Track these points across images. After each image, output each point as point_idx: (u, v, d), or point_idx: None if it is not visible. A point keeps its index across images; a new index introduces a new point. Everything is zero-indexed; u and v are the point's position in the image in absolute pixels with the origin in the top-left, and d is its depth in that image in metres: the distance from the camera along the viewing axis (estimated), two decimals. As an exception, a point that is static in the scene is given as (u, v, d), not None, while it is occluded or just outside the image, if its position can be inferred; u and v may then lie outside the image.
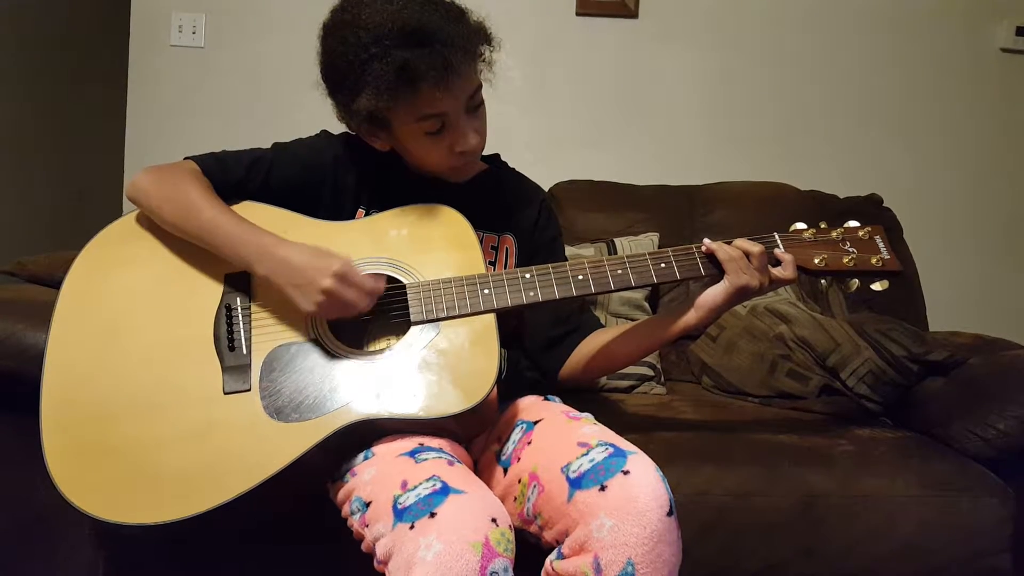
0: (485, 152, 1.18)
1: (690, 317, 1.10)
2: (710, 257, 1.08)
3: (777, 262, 1.09)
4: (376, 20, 0.99)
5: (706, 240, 1.09)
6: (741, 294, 1.06)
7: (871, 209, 1.97)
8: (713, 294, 1.08)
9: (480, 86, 1.08)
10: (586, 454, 0.92)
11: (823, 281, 1.14)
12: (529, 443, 1.01)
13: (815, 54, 2.29)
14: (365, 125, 1.08)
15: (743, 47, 2.29)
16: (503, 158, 1.29)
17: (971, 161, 2.32)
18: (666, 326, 1.13)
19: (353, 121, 1.08)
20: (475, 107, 1.08)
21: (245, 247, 1.01)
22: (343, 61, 1.02)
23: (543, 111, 2.28)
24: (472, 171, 1.19)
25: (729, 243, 1.07)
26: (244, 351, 1.01)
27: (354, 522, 0.94)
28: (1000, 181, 2.33)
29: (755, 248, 1.07)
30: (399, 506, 0.86)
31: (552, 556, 0.91)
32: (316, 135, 1.20)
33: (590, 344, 1.20)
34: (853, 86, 2.30)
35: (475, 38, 1.04)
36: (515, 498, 0.98)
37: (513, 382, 1.15)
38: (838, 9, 2.28)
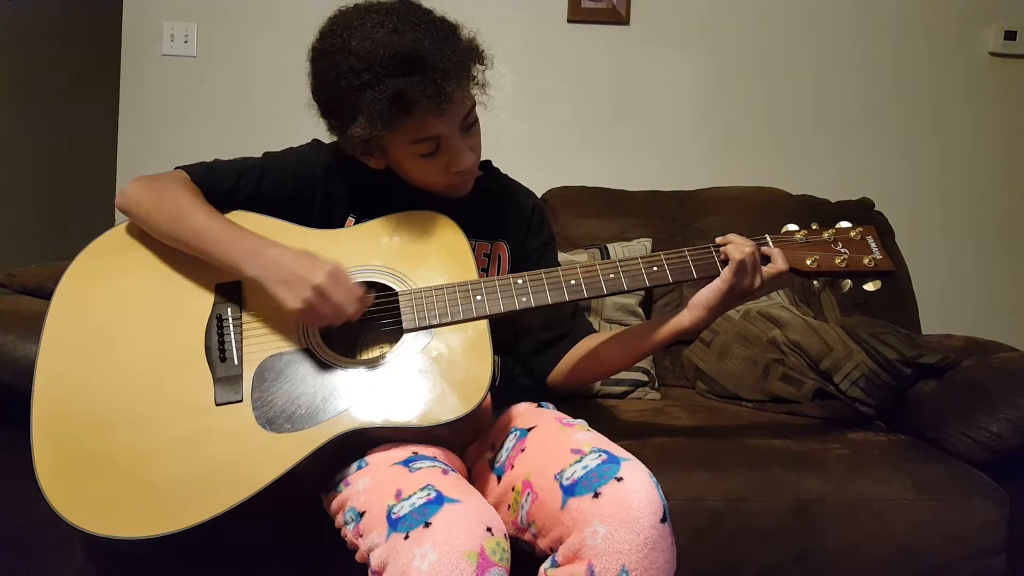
0: (478, 158, 1.18)
1: (683, 318, 1.10)
2: (701, 259, 1.08)
3: (766, 260, 1.09)
4: (366, 47, 0.98)
5: (718, 239, 1.09)
6: (734, 291, 1.06)
7: (862, 212, 1.98)
8: (707, 293, 1.07)
9: (474, 105, 1.08)
10: (579, 461, 0.91)
11: (816, 283, 1.14)
12: (523, 450, 1.00)
13: (805, 59, 2.30)
14: (360, 147, 1.07)
15: (734, 52, 2.30)
16: (495, 164, 1.29)
17: (962, 164, 2.33)
18: (658, 329, 1.13)
19: (347, 145, 1.07)
20: (469, 126, 1.08)
21: (234, 249, 1.00)
22: (335, 87, 1.01)
23: (535, 117, 2.29)
24: (468, 188, 1.17)
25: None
26: (235, 361, 1.00)
27: (348, 532, 0.94)
28: (991, 183, 2.34)
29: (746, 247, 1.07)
30: (393, 516, 0.86)
31: (546, 564, 0.90)
32: (307, 144, 1.20)
33: (581, 349, 1.20)
34: (844, 91, 2.31)
35: (467, 58, 1.03)
36: (509, 506, 0.98)
37: (507, 389, 1.15)
38: (829, 14, 2.29)
